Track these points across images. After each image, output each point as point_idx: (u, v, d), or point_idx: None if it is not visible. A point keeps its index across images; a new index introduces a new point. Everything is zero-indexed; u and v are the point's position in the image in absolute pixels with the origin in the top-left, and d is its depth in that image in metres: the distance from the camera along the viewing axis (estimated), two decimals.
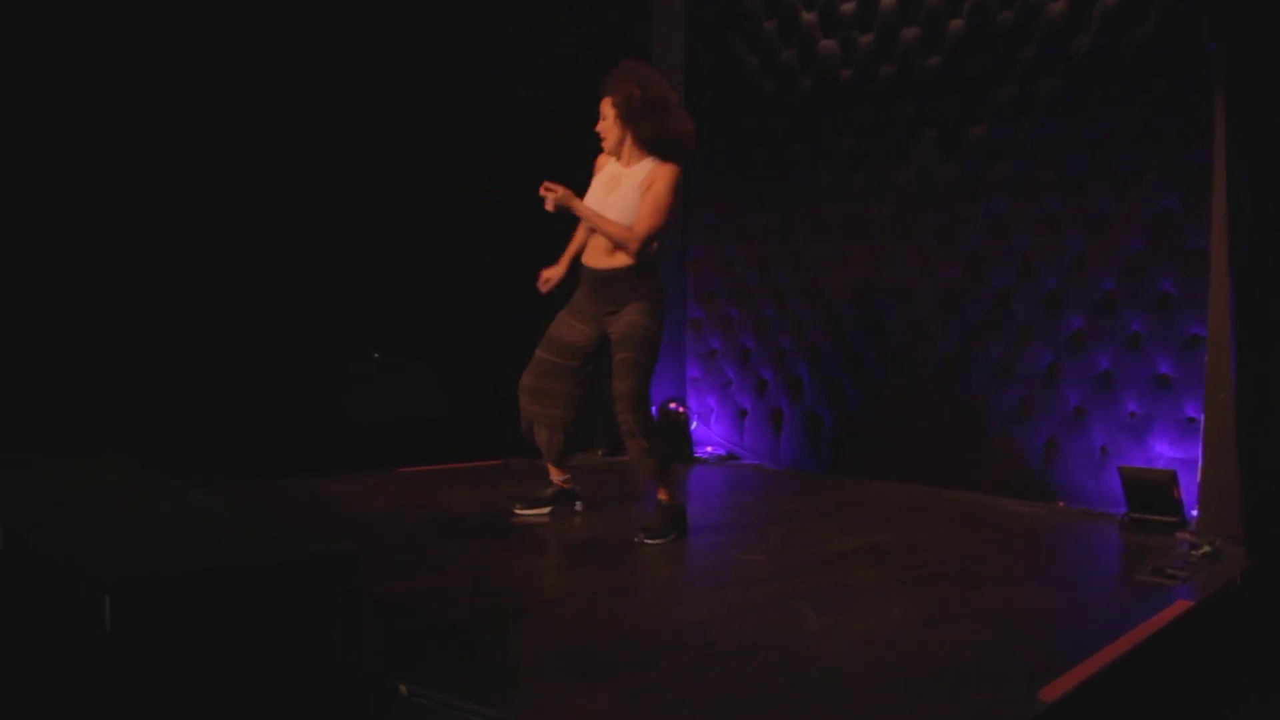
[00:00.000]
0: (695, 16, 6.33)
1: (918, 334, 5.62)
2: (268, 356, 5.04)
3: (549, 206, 4.01)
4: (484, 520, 4.33)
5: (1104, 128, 5.02)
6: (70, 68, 4.43)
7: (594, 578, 3.65)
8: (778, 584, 3.59)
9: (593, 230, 4.17)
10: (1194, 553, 4.04)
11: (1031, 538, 4.49)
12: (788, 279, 6.09)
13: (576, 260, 4.33)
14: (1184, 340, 4.80)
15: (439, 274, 5.58)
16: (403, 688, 2.48)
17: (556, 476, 4.47)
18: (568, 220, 4.25)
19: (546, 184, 4.00)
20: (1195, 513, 4.44)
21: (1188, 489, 4.52)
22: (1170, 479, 4.52)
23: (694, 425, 6.39)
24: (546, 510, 4.43)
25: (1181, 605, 3.40)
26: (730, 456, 6.28)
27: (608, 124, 4.16)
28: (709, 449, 6.37)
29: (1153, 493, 4.54)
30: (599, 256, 4.19)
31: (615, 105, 4.12)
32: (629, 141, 4.14)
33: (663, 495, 4.18)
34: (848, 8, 5.81)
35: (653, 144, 4.11)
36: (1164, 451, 4.84)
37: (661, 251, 4.27)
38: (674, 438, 5.99)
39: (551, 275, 4.38)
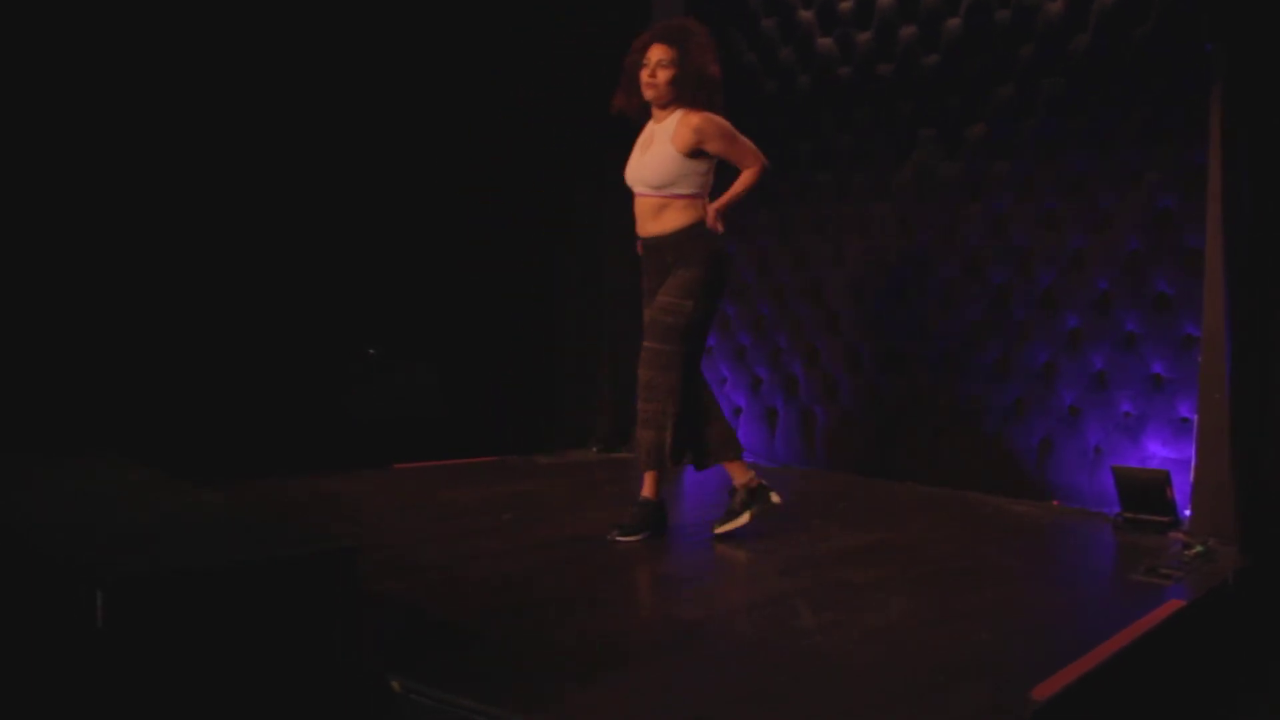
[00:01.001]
0: (695, 15, 6.30)
1: (916, 332, 5.63)
2: (267, 354, 5.06)
3: (721, 229, 4.01)
4: (484, 517, 4.34)
5: (1104, 127, 5.03)
6: (70, 68, 4.44)
7: (593, 576, 3.66)
8: (778, 582, 3.61)
9: (637, 197, 4.02)
10: (1187, 552, 4.05)
11: (1028, 537, 4.50)
12: (788, 277, 6.10)
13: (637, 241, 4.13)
14: (1179, 340, 4.81)
15: (439, 273, 5.59)
16: (395, 684, 2.49)
17: (739, 479, 4.20)
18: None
19: (713, 220, 3.96)
20: (1188, 512, 4.46)
21: (1181, 489, 4.53)
22: (1164, 479, 4.53)
23: None
24: (745, 520, 4.15)
25: (1174, 604, 3.41)
26: None
27: (658, 78, 3.93)
28: None
29: (1146, 492, 4.55)
30: (645, 223, 4.03)
31: (675, 63, 3.93)
32: (669, 96, 3.98)
33: (646, 491, 4.12)
34: (845, 6, 5.81)
35: (689, 99, 3.97)
36: (1157, 451, 4.85)
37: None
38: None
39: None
